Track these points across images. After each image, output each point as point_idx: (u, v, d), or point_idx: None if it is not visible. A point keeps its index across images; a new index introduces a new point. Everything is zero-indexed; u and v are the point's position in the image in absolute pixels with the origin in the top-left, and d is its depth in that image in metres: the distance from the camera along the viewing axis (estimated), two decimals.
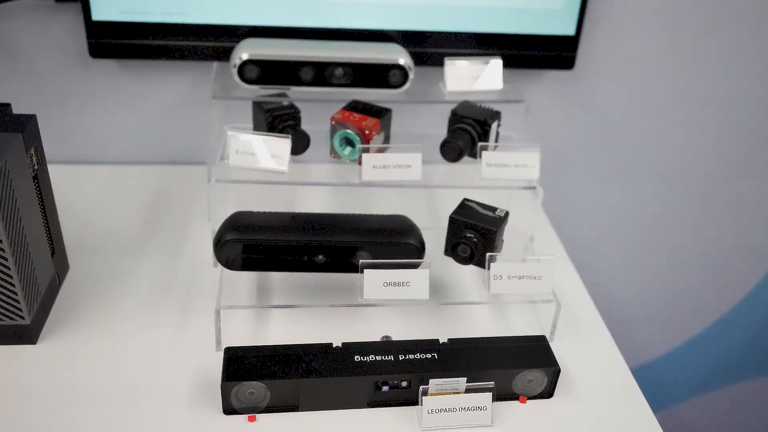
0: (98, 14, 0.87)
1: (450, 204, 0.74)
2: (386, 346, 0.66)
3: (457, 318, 0.77)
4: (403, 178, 0.76)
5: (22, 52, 0.92)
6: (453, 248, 0.72)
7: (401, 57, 0.85)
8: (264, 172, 0.74)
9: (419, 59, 0.88)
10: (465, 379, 0.62)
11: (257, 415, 0.63)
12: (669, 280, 1.25)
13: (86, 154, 1.01)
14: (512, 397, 0.66)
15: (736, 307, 1.29)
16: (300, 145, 0.79)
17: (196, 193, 0.95)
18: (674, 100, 1.06)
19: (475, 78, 0.87)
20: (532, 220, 0.83)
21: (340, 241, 0.69)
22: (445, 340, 0.67)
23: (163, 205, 0.92)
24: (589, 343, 0.75)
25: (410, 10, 0.90)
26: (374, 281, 0.67)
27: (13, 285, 0.64)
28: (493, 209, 0.73)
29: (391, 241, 0.70)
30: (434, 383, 0.62)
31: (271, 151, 0.74)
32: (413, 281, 0.68)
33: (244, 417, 0.63)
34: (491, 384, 0.63)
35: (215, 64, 0.91)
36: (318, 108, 0.83)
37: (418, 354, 0.65)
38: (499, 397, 0.65)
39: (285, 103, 0.80)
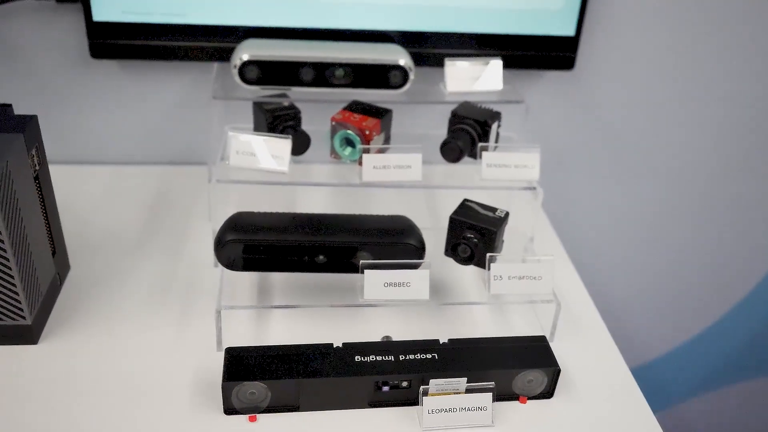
0: (99, 15, 0.87)
1: (450, 204, 0.74)
2: (386, 346, 0.66)
3: (457, 318, 0.77)
4: (403, 178, 0.76)
5: (23, 52, 0.92)
6: (453, 248, 0.72)
7: (401, 57, 0.85)
8: (264, 173, 0.74)
9: (419, 60, 0.88)
10: (465, 379, 0.62)
11: (258, 415, 0.63)
12: (669, 280, 1.24)
13: (87, 155, 1.01)
14: (512, 397, 0.66)
15: (736, 307, 1.29)
16: (300, 145, 0.79)
17: (196, 194, 0.95)
18: (674, 100, 1.06)
19: (475, 79, 0.87)
20: (532, 221, 0.83)
21: (341, 241, 0.69)
22: (446, 341, 0.67)
23: (164, 205, 0.92)
24: (589, 343, 0.75)
25: (410, 10, 0.90)
26: (374, 281, 0.67)
27: (14, 285, 0.64)
28: (493, 209, 0.73)
29: (392, 241, 0.70)
30: (434, 383, 0.62)
31: (271, 151, 0.74)
32: (413, 281, 0.68)
33: (244, 417, 0.63)
34: (491, 384, 0.63)
35: (216, 65, 0.91)
36: (318, 108, 0.83)
37: (419, 354, 0.65)
38: (499, 397, 0.65)
39: (285, 103, 0.80)
